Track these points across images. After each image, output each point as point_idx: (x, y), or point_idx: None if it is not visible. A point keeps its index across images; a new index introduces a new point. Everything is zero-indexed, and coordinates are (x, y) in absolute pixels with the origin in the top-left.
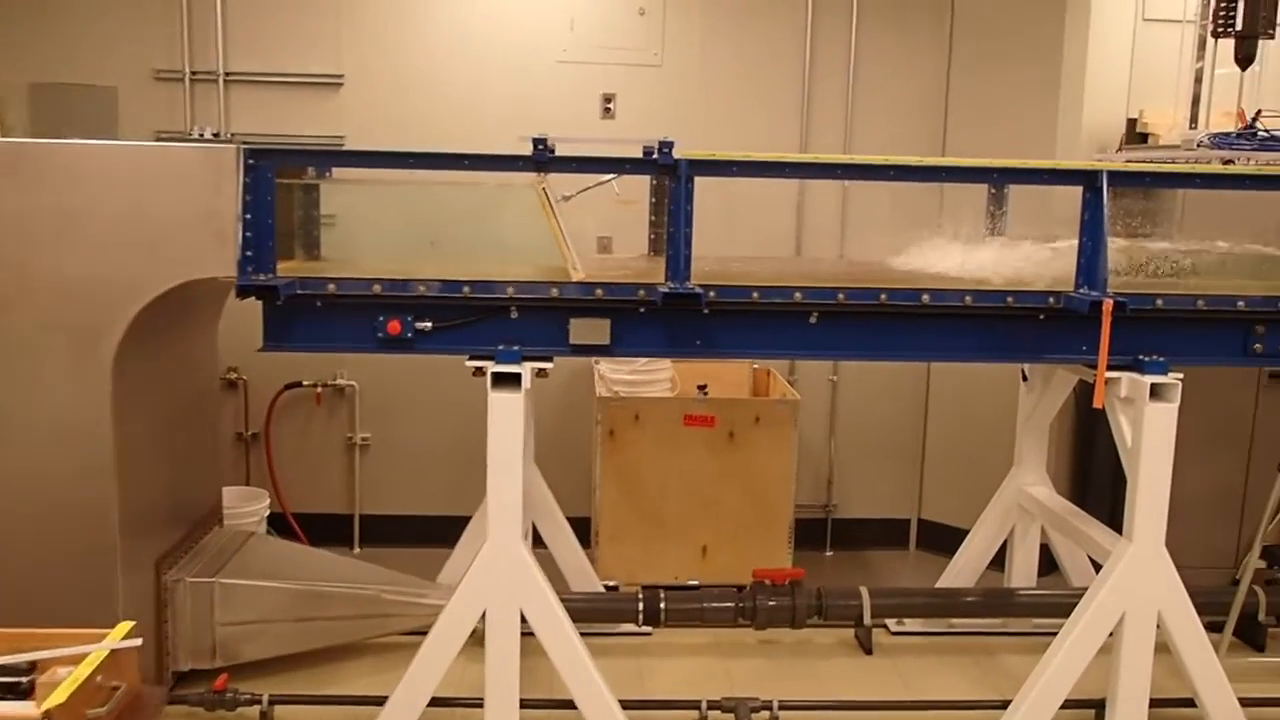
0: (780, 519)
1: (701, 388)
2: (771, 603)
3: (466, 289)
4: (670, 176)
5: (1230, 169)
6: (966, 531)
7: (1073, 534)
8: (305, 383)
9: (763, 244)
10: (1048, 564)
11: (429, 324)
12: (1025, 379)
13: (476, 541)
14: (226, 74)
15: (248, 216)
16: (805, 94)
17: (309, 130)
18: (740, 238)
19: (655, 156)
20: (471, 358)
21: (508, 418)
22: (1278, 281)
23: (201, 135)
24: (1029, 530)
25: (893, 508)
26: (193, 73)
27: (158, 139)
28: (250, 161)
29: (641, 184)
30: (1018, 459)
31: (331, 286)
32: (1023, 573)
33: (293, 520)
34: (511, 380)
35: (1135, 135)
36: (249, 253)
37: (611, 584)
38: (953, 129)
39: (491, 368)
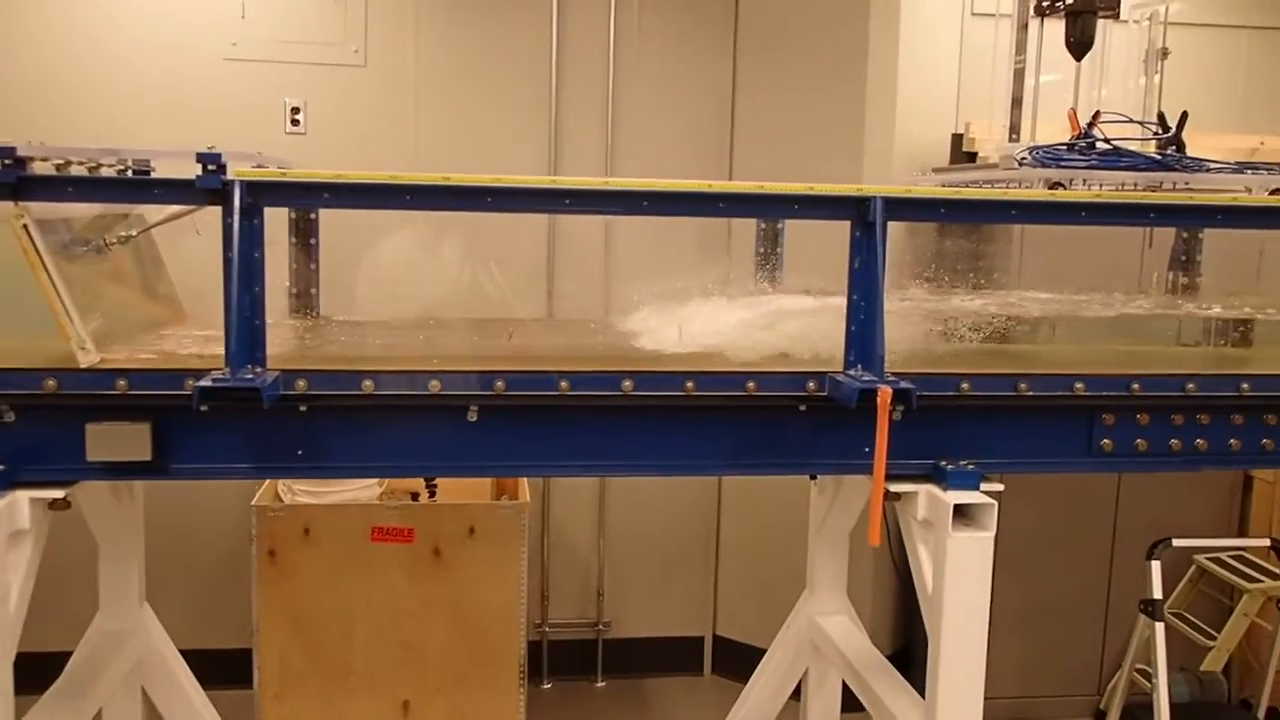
0: (505, 661)
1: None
2: None
3: None
4: (224, 207)
5: (1054, 195)
6: None
7: (870, 700)
8: None
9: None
10: None
11: None
12: (814, 478)
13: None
14: None
15: None
16: (553, 104)
17: None
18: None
19: (194, 177)
20: None
21: None
22: (1131, 349)
23: None
24: (826, 675)
25: (681, 624)
26: None
27: None
28: None
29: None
30: (810, 581)
31: None
32: None
33: None
34: None
35: (962, 154)
36: None
37: None
38: (741, 146)
39: None
